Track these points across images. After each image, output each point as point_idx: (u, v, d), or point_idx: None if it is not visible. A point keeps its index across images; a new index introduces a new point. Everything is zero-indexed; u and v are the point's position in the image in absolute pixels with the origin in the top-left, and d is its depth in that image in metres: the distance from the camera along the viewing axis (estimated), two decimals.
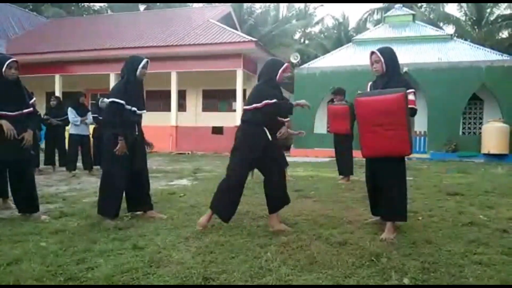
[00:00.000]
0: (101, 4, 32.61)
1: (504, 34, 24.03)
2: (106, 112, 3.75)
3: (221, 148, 14.34)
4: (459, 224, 3.64)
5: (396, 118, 3.10)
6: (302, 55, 20.28)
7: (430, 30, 17.16)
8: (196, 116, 17.52)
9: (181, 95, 16.85)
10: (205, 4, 23.20)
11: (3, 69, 3.69)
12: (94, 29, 18.57)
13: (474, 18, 24.74)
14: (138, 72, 3.79)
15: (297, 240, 3.04)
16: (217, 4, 21.69)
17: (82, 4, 31.38)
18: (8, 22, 19.37)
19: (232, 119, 15.16)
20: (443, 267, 2.52)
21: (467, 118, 14.66)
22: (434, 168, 9.34)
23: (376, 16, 28.75)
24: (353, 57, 15.53)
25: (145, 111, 3.97)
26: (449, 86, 13.24)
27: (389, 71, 3.41)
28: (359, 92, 3.42)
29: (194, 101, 17.80)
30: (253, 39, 14.95)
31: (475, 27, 24.79)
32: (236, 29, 18.21)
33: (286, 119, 3.99)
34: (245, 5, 28.26)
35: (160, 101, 16.94)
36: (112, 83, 15.98)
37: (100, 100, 8.39)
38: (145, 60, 3.84)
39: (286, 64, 3.52)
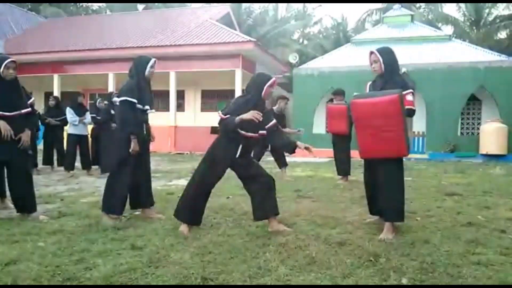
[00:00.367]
0: (100, 4, 32.59)
1: (503, 34, 24.08)
2: (119, 112, 3.79)
3: None
4: (458, 225, 3.65)
5: (392, 119, 3.10)
6: (300, 55, 20.31)
7: (429, 31, 17.17)
8: (195, 116, 17.51)
9: (180, 95, 16.85)
10: (204, 4, 23.18)
11: (1, 70, 3.68)
12: (92, 29, 18.54)
13: (473, 19, 24.79)
14: (146, 72, 3.84)
15: (296, 240, 3.04)
16: (215, 4, 21.69)
17: (81, 4, 31.34)
18: (6, 22, 19.33)
19: None
20: (441, 267, 2.52)
21: (465, 118, 14.68)
22: (433, 169, 9.35)
23: (375, 17, 28.76)
24: (351, 57, 15.53)
25: (153, 110, 4.02)
26: (448, 87, 13.26)
27: (387, 71, 3.42)
28: (355, 94, 3.42)
29: (193, 101, 17.79)
30: (252, 39, 14.95)
31: (474, 27, 24.84)
32: (234, 29, 18.21)
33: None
34: (244, 5, 28.27)
35: (159, 101, 16.93)
36: (111, 83, 15.97)
37: (98, 100, 8.39)
38: (153, 59, 3.89)
39: (272, 79, 3.40)
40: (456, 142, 13.31)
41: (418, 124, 13.95)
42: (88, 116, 7.93)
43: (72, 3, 29.87)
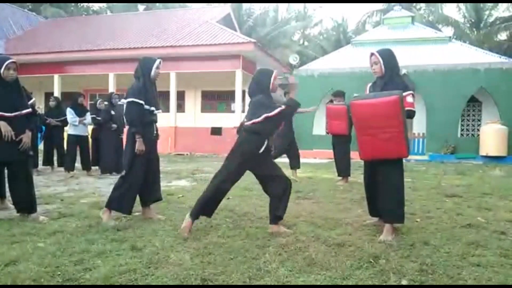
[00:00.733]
0: (101, 5, 32.63)
1: (503, 36, 24.10)
2: (126, 113, 3.80)
3: (220, 149, 14.34)
4: (457, 226, 3.65)
5: (392, 121, 3.10)
6: (301, 57, 20.32)
7: (429, 32, 17.19)
8: (195, 117, 17.52)
9: (180, 96, 16.85)
10: (204, 5, 23.22)
11: (2, 70, 3.68)
12: (93, 30, 18.56)
13: (473, 20, 24.82)
14: (152, 73, 3.87)
15: (296, 241, 3.05)
16: (216, 5, 21.72)
17: (81, 4, 31.38)
18: (7, 22, 19.35)
19: (231, 120, 15.16)
20: (441, 269, 2.52)
21: (465, 120, 14.68)
22: (433, 170, 9.35)
23: (375, 18, 28.80)
24: (352, 59, 15.54)
25: (160, 110, 4.06)
26: (448, 88, 13.27)
27: (388, 73, 3.42)
28: (355, 95, 3.42)
29: (193, 102, 17.80)
30: (252, 40, 14.96)
31: (474, 29, 24.87)
32: (235, 30, 18.23)
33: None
34: (244, 6, 28.31)
35: (159, 101, 16.94)
36: (111, 83, 15.98)
37: (99, 101, 8.39)
38: (158, 60, 3.91)
39: (275, 72, 3.53)
40: (456, 143, 13.31)
41: (418, 125, 13.95)
42: (88, 117, 7.93)
43: (73, 4, 29.89)
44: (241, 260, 2.64)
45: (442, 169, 9.46)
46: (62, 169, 8.05)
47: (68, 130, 7.95)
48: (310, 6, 33.87)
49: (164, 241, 3.08)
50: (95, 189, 5.96)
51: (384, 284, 2.32)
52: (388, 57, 3.44)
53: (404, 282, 2.33)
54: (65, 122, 8.16)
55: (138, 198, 3.95)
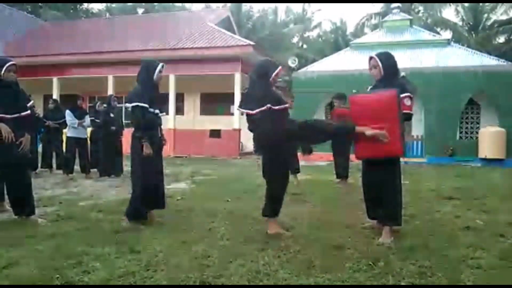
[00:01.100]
0: (100, 7, 32.71)
1: (501, 39, 24.21)
2: (132, 117, 3.81)
3: (218, 152, 14.33)
4: (456, 229, 3.65)
5: (388, 115, 3.11)
6: (300, 59, 20.35)
7: (427, 35, 17.24)
8: (194, 119, 17.51)
9: (179, 98, 16.85)
10: (204, 8, 23.26)
11: (2, 72, 3.69)
12: (92, 32, 18.58)
13: (471, 23, 24.93)
14: (155, 76, 3.88)
15: (295, 244, 3.04)
16: (215, 7, 21.76)
17: (81, 7, 31.42)
18: (6, 25, 19.35)
19: (230, 122, 15.16)
20: (440, 272, 2.52)
21: (464, 122, 14.70)
22: (431, 173, 9.36)
23: (374, 21, 28.91)
24: (350, 61, 15.57)
25: (164, 113, 4.09)
26: (446, 91, 13.29)
27: (387, 76, 3.43)
28: (354, 91, 3.44)
29: (192, 105, 17.80)
30: (251, 42, 14.98)
31: (472, 32, 24.97)
32: (234, 32, 18.26)
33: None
34: (244, 9, 28.38)
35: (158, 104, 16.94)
36: (110, 86, 15.98)
37: (98, 103, 8.39)
38: (160, 64, 3.93)
39: (279, 68, 3.48)
40: (455, 146, 13.32)
41: (417, 128, 13.96)
42: (87, 119, 7.93)
43: (72, 6, 29.93)
44: (240, 263, 2.64)
45: (441, 172, 9.47)
46: (60, 171, 8.03)
47: (67, 133, 7.94)
48: (309, 9, 33.93)
49: (163, 243, 3.07)
50: (94, 192, 5.95)
51: (383, 285, 2.32)
52: (387, 61, 3.45)
53: (403, 285, 2.33)
54: (63, 125, 8.16)
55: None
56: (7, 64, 3.72)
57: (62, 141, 8.42)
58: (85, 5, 31.82)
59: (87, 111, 8.63)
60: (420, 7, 28.48)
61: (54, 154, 8.46)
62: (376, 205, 3.44)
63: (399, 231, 3.44)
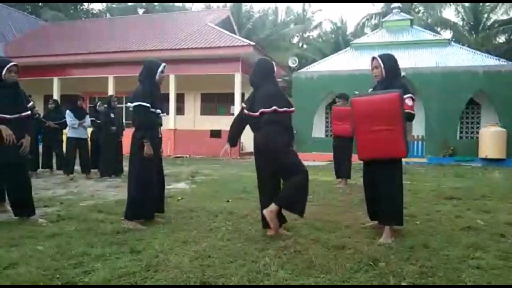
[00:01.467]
0: (100, 8, 32.75)
1: (501, 39, 24.19)
2: (134, 117, 3.84)
3: (219, 152, 14.30)
4: (457, 229, 3.65)
5: (391, 117, 3.11)
6: (300, 59, 20.34)
7: (428, 35, 17.24)
8: (194, 119, 17.53)
9: (179, 98, 16.86)
10: (204, 8, 23.27)
11: (4, 73, 3.69)
12: (92, 33, 18.60)
13: (471, 23, 24.91)
14: (157, 77, 3.90)
15: (295, 244, 3.04)
16: (215, 7, 21.76)
17: (81, 7, 31.44)
18: (6, 25, 19.38)
19: (230, 122, 15.14)
20: (440, 272, 2.52)
21: (464, 122, 14.70)
22: (432, 173, 9.36)
23: (374, 21, 28.90)
24: (351, 62, 15.58)
25: (166, 113, 4.08)
26: (447, 91, 13.29)
27: (388, 77, 3.43)
28: (356, 92, 3.44)
29: (192, 105, 17.81)
30: (252, 43, 14.99)
31: (472, 32, 24.96)
32: (234, 33, 18.27)
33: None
34: (244, 9, 28.39)
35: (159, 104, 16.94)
36: (111, 86, 15.99)
37: (98, 103, 8.39)
38: (163, 65, 3.95)
39: (276, 68, 3.63)
40: (455, 146, 13.33)
41: (418, 128, 13.96)
42: (87, 120, 7.93)
43: (72, 6, 29.94)
44: (240, 263, 2.64)
45: (441, 172, 9.46)
46: (61, 172, 8.04)
47: (68, 133, 7.94)
48: (309, 9, 33.95)
49: (163, 244, 3.07)
50: (94, 192, 5.95)
51: (384, 285, 2.32)
52: (389, 62, 3.46)
53: (403, 285, 2.33)
54: (64, 125, 8.16)
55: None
56: (9, 65, 3.73)
57: (62, 141, 8.42)
58: (86, 5, 31.88)
59: (88, 111, 8.62)
60: (420, 7, 28.48)
61: (54, 154, 8.46)
62: (377, 205, 3.45)
63: (400, 231, 3.44)
